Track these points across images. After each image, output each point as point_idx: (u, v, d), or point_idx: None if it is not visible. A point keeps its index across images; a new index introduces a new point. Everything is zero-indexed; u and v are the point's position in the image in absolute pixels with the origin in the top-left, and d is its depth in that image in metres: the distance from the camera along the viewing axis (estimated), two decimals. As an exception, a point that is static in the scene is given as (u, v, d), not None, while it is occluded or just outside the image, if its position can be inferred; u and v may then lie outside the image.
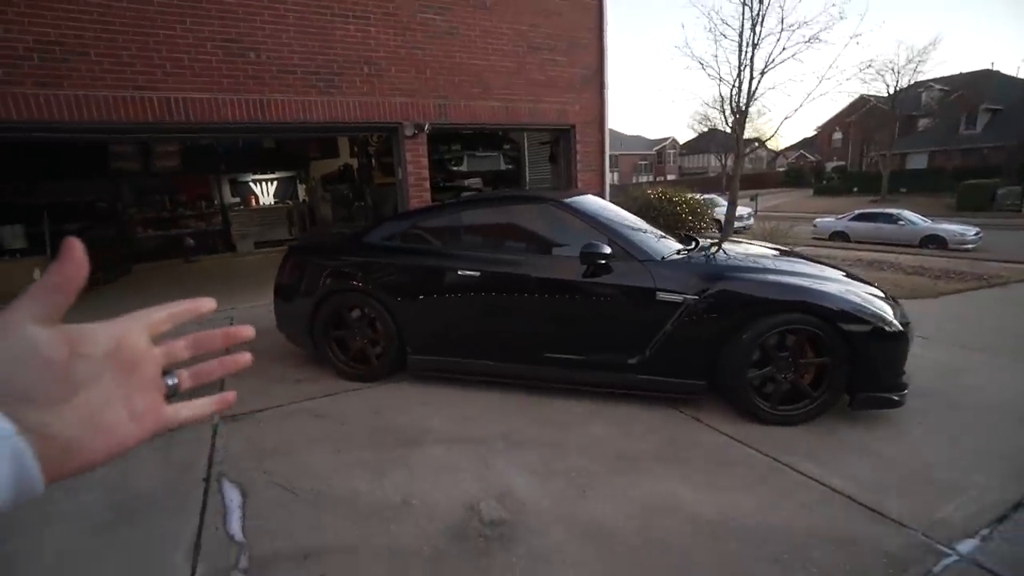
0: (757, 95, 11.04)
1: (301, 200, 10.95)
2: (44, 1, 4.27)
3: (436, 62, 6.02)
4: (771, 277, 2.76)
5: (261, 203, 10.50)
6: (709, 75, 11.34)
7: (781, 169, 44.59)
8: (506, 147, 7.88)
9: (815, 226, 16.42)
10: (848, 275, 3.25)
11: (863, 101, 31.36)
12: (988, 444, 2.52)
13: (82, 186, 8.40)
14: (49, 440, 0.29)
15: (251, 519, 2.10)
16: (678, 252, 3.07)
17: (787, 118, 15.77)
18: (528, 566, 1.79)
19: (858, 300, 2.63)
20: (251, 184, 10.37)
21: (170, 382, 0.38)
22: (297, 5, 5.19)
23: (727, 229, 10.80)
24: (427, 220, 3.47)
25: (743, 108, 11.08)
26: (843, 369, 2.62)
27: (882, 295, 2.90)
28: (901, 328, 2.60)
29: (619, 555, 1.84)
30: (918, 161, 29.83)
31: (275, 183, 10.66)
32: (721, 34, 10.90)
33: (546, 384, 3.09)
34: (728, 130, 11.84)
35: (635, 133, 54.47)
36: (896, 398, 2.63)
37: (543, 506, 2.12)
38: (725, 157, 35.85)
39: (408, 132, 5.91)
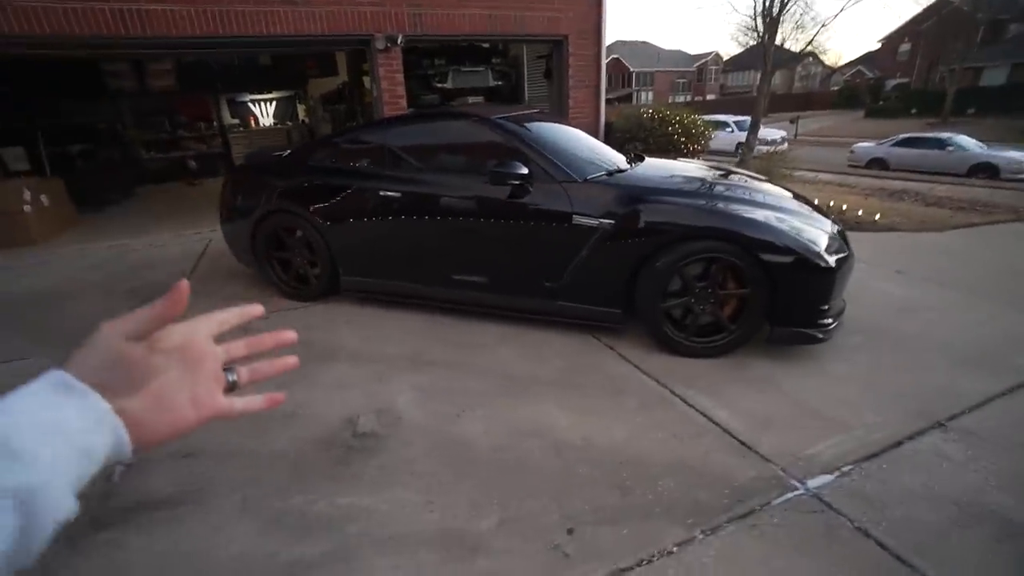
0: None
1: (301, 121, 10.74)
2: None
3: (408, -36, 5.49)
4: (693, 201, 2.55)
5: (261, 124, 10.37)
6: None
7: (835, 88, 40.31)
8: (496, 61, 7.35)
9: (852, 152, 15.06)
10: (802, 202, 2.99)
11: (942, 3, 27.29)
12: (905, 384, 2.40)
13: (82, 107, 8.45)
14: (125, 417, 0.36)
15: None
16: (606, 173, 2.87)
17: (824, 25, 12.91)
18: (376, 475, 1.88)
19: (783, 228, 2.42)
20: (250, 104, 10.19)
21: (230, 377, 0.44)
22: (248, -103, 4.73)
23: (746, 154, 10.08)
24: (358, 138, 3.33)
25: (774, 15, 9.86)
26: (762, 301, 2.47)
27: (826, 225, 2.66)
28: (829, 261, 2.40)
29: (466, 471, 1.90)
30: (995, 77, 26.19)
31: (274, 103, 10.44)
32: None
33: (467, 307, 3.07)
34: (757, 42, 10.63)
35: (674, 47, 49.81)
36: (818, 334, 2.49)
37: (416, 423, 2.18)
38: (770, 76, 32.62)
39: (380, 45, 5.55)
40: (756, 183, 3.17)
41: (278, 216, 3.38)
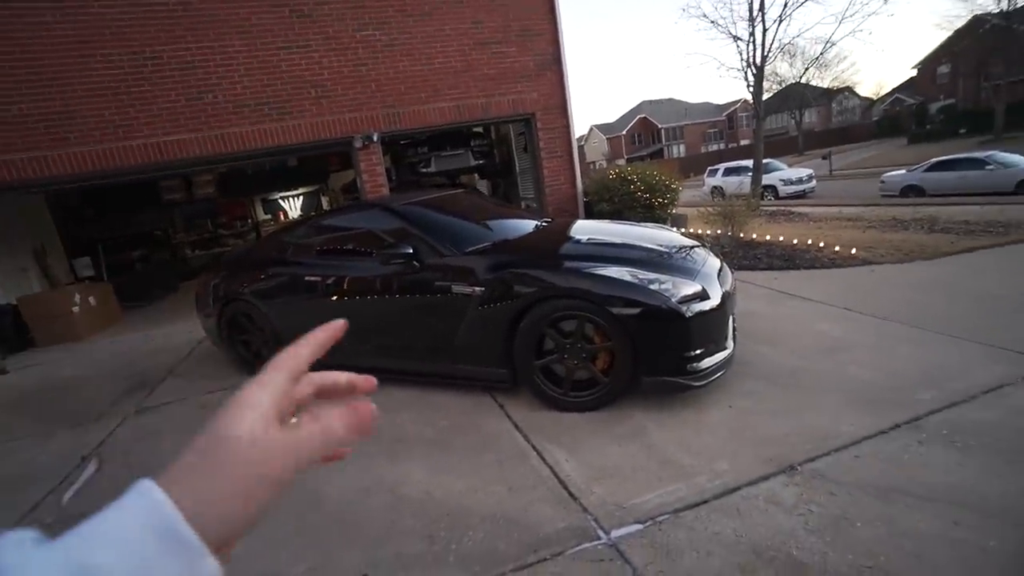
0: (777, 46, 10.08)
1: (324, 211, 11.99)
2: (44, 81, 5.29)
3: (381, 75, 6.38)
4: (552, 262, 2.78)
5: (289, 217, 11.67)
6: (722, 34, 10.46)
7: (876, 119, 39.12)
8: (476, 143, 8.06)
9: (882, 182, 14.43)
10: (704, 249, 3.13)
11: (979, 22, 26.50)
12: (778, 429, 2.37)
13: (142, 218, 10.01)
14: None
15: (86, 487, 2.66)
16: (491, 244, 3.16)
17: (818, 57, 11.86)
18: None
19: (633, 282, 2.57)
20: (280, 201, 11.58)
21: (293, 421, 0.36)
22: (244, 45, 5.83)
23: (753, 197, 10.08)
24: (295, 232, 3.87)
25: (759, 65, 10.17)
26: (626, 353, 2.58)
27: (700, 272, 2.77)
28: (681, 310, 2.50)
29: (306, 523, 2.10)
30: (1052, 88, 24.61)
31: (301, 198, 11.79)
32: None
33: (383, 375, 3.35)
34: (750, 91, 10.92)
35: (702, 100, 50.83)
36: (690, 382, 2.54)
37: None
38: (800, 113, 32.36)
39: (357, 144, 6.36)
40: (647, 234, 3.34)
41: (236, 303, 3.90)
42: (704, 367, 2.56)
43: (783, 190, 17.40)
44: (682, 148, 45.90)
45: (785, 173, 17.96)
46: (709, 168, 19.67)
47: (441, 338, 3.05)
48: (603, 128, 51.52)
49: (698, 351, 2.56)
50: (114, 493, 0.28)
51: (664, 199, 6.40)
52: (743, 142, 45.05)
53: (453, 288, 2.91)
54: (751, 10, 9.90)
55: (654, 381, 2.59)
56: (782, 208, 12.05)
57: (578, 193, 7.51)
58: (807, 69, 12.42)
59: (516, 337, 2.77)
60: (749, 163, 18.89)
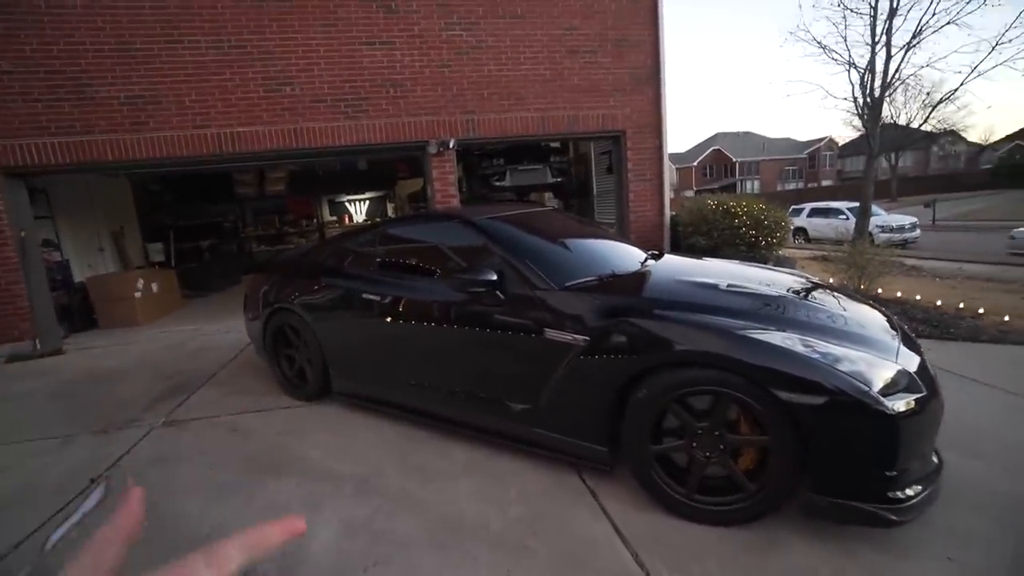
0: (899, 77, 8.91)
1: (388, 218, 11.82)
2: (131, 64, 5.22)
3: (463, 77, 5.95)
4: (685, 315, 2.04)
5: (354, 220, 11.58)
6: (835, 60, 9.40)
7: (987, 167, 35.35)
8: (555, 159, 7.47)
9: (1012, 238, 12.53)
10: (884, 319, 2.31)
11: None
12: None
13: (216, 209, 10.19)
14: None
15: (90, 516, 2.19)
16: (597, 279, 2.47)
17: (943, 100, 10.40)
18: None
19: (809, 355, 1.80)
20: (346, 204, 11.53)
21: None
22: (327, 39, 5.57)
23: (857, 242, 8.88)
24: (355, 239, 3.36)
25: (876, 97, 9.02)
26: (788, 455, 1.81)
27: (897, 353, 1.96)
28: (886, 405, 1.70)
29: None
30: None
31: (367, 202, 11.69)
32: (847, 8, 8.98)
33: (441, 424, 2.73)
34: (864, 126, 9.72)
35: (781, 135, 48.35)
36: (885, 515, 1.72)
37: (321, 567, 1.81)
38: (895, 156, 29.74)
39: (432, 150, 5.93)
40: (798, 284, 2.54)
41: (283, 313, 3.44)
42: (911, 495, 1.73)
43: (879, 238, 15.59)
44: (756, 184, 43.55)
45: (883, 219, 16.19)
46: (792, 207, 18.14)
47: (520, 392, 2.39)
48: (674, 157, 49.92)
49: (903, 469, 1.73)
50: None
51: (772, 238, 5.49)
52: (824, 182, 42.23)
53: (546, 332, 2.24)
54: (873, 33, 8.79)
55: (829, 503, 1.78)
56: (892, 260, 10.58)
57: (665, 222, 6.72)
58: (933, 108, 10.81)
59: (627, 409, 2.05)
60: (839, 204, 17.25)
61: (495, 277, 2.39)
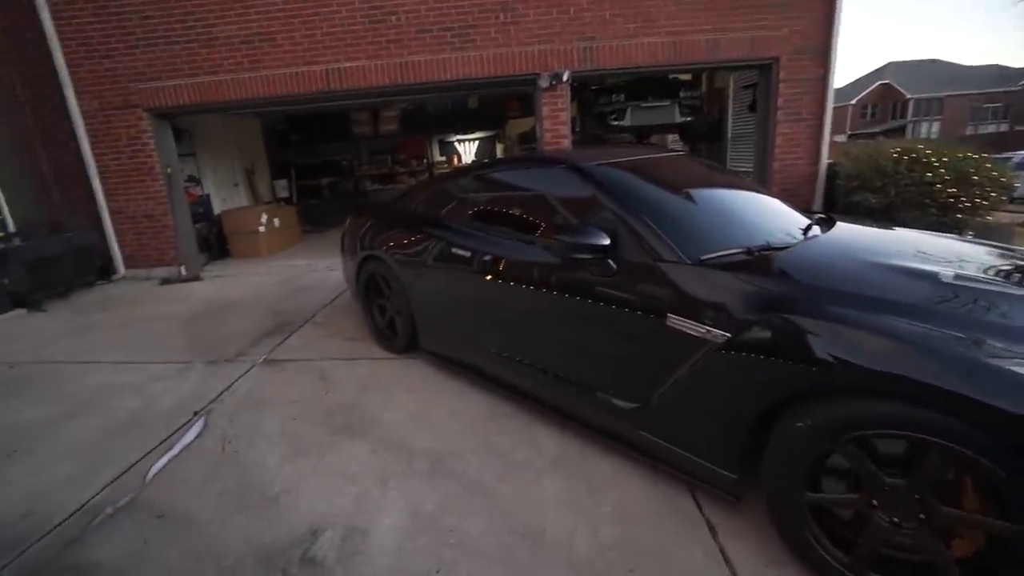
0: None
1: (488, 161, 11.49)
2: (248, 2, 5.25)
3: (583, -3, 5.13)
4: (888, 321, 1.37)
5: (462, 161, 11.42)
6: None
7: None
8: (685, 95, 6.39)
9: None
10: None
11: None
12: None
13: (334, 148, 10.65)
14: None
15: (184, 452, 2.30)
16: (744, 251, 1.85)
17: None
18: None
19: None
20: (455, 144, 11.37)
21: None
22: (436, -42, 5.07)
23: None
24: (444, 184, 3.02)
25: None
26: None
27: None
28: None
29: None
30: None
31: (476, 143, 11.42)
32: None
33: (531, 401, 2.39)
34: None
35: (984, 62, 38.33)
36: None
37: (377, 565, 1.63)
38: None
39: (543, 84, 5.32)
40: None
41: (376, 261, 3.29)
42: None
43: None
44: (935, 127, 35.59)
45: None
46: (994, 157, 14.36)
47: (627, 386, 1.94)
48: (824, 94, 42.37)
49: None
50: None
51: (984, 199, 4.11)
52: (1038, 125, 33.14)
53: (669, 319, 1.73)
54: None
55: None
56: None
57: (820, 173, 5.48)
58: None
59: (773, 436, 1.51)
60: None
61: (607, 241, 1.90)
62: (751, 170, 6.01)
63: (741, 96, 6.97)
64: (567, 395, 2.20)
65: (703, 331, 1.65)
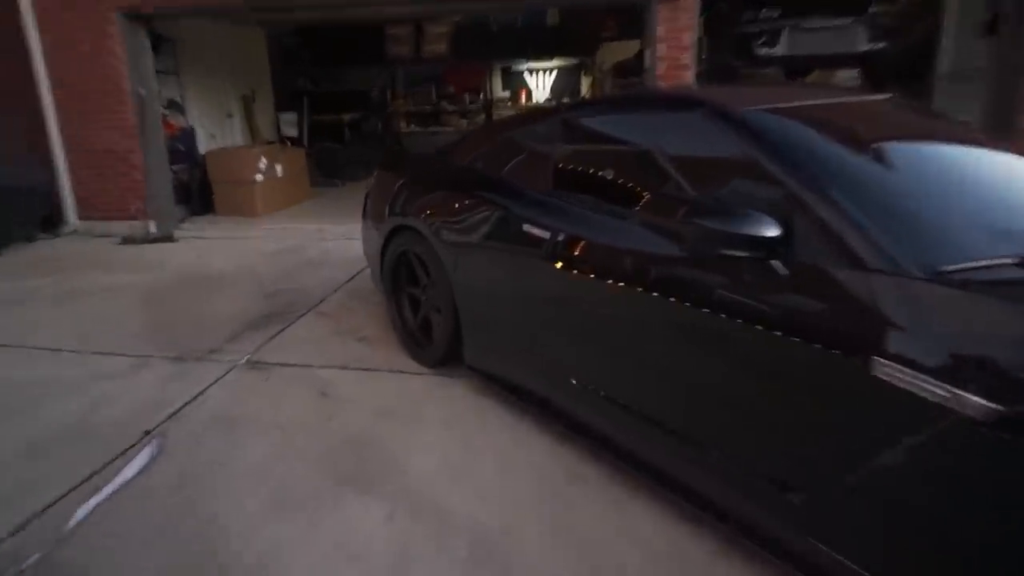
0: None
1: (581, 98, 11.24)
2: None
3: None
4: None
5: (532, 99, 11.34)
6: None
7: None
8: (875, 10, 5.87)
9: None
10: None
11: None
12: None
13: (360, 74, 10.88)
14: None
15: (123, 492, 2.30)
16: (1016, 262, 1.55)
17: None
18: None
19: None
20: (525, 75, 11.29)
21: None
22: None
23: None
24: (514, 132, 2.87)
25: None
26: None
27: None
28: None
29: None
30: None
31: (553, 74, 11.26)
32: None
33: (626, 457, 2.22)
34: None
35: None
36: None
37: None
38: None
39: (664, -12, 5.04)
40: None
41: (409, 234, 3.20)
42: None
43: None
44: None
45: None
46: None
47: (792, 462, 1.70)
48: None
49: None
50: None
51: None
52: None
53: (879, 364, 1.46)
54: None
55: None
56: None
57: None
58: None
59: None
60: None
61: (776, 232, 1.65)
62: (976, 126, 5.49)
63: (968, 9, 6.38)
64: (689, 463, 1.98)
65: (944, 393, 1.37)
